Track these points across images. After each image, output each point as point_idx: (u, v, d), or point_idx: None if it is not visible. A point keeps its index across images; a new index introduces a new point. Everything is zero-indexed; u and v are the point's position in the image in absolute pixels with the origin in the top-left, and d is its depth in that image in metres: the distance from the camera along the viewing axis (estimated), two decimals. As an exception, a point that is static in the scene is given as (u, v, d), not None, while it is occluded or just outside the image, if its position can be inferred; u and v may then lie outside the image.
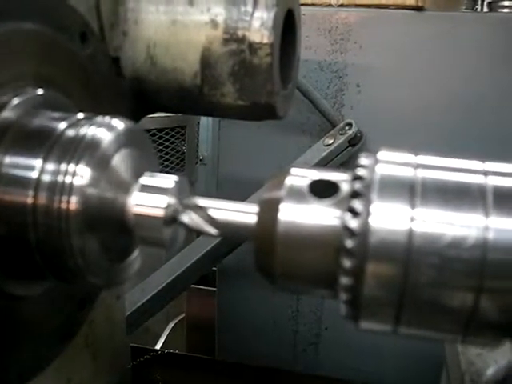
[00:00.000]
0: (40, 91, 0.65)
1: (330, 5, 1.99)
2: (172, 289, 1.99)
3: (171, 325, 2.91)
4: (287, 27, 0.91)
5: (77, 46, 0.73)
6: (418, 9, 1.93)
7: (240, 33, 0.85)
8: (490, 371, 0.93)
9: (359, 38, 1.97)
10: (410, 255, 0.46)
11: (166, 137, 3.06)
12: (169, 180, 0.60)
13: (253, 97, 0.87)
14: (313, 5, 1.99)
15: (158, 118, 2.91)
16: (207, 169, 3.62)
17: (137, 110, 0.92)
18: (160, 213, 0.58)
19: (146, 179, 0.61)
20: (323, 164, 1.92)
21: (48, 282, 0.66)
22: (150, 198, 0.59)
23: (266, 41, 0.84)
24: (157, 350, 2.13)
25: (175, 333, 2.86)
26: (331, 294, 0.51)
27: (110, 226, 0.59)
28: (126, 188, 0.60)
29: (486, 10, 2.72)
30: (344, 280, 0.48)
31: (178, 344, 2.71)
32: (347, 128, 1.93)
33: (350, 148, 1.94)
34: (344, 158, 1.94)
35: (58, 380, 0.88)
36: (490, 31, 1.91)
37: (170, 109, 0.98)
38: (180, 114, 3.40)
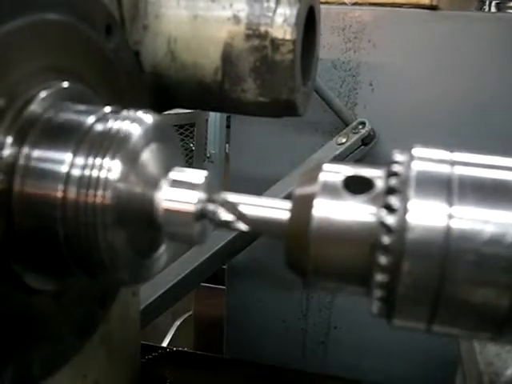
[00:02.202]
0: (66, 84, 0.65)
1: (343, 3, 1.99)
2: (182, 286, 1.99)
3: (178, 323, 2.91)
4: (307, 24, 0.90)
5: (102, 39, 0.72)
6: (431, 8, 1.93)
7: (262, 29, 0.84)
8: (510, 371, 0.92)
9: (373, 36, 1.96)
10: (448, 252, 0.45)
11: (175, 134, 3.05)
12: (199, 175, 0.60)
13: (274, 93, 0.87)
14: (326, 3, 1.99)
15: (166, 115, 2.90)
16: (214, 167, 3.63)
17: (155, 106, 0.91)
18: (190, 208, 0.57)
19: (175, 174, 0.60)
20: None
21: (72, 278, 0.66)
22: (180, 193, 0.58)
23: (288, 37, 0.84)
24: (165, 348, 2.12)
25: (182, 331, 2.85)
26: (363, 291, 0.51)
27: (140, 221, 0.59)
28: (155, 183, 0.59)
29: (493, 10, 2.72)
30: (379, 277, 0.47)
31: (185, 342, 2.70)
32: (360, 127, 1.93)
33: (362, 147, 1.93)
34: (357, 157, 1.93)
35: (74, 376, 0.88)
36: (504, 30, 1.90)
37: (190, 105, 0.98)
38: (189, 112, 3.40)
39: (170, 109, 0.98)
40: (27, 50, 0.60)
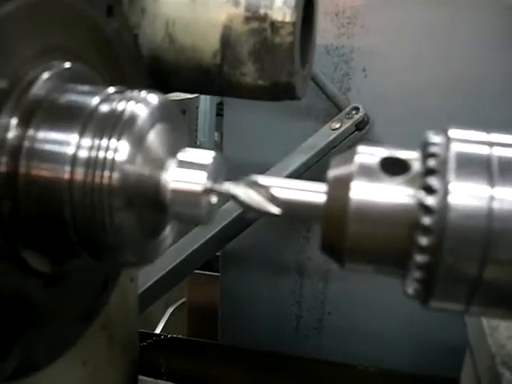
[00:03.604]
0: (68, 65, 0.63)
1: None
2: (176, 274, 1.97)
3: (170, 310, 2.89)
4: (305, 6, 0.89)
5: (103, 19, 0.70)
6: (426, -7, 1.91)
7: (262, 11, 0.82)
8: (522, 354, 0.93)
9: (366, 21, 1.95)
10: (490, 233, 0.44)
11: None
12: (206, 155, 0.59)
13: (273, 76, 0.85)
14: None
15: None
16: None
17: (154, 90, 0.89)
18: (198, 189, 0.57)
19: (183, 155, 0.60)
20: (330, 148, 1.90)
21: (77, 260, 0.64)
22: (188, 173, 0.58)
23: (288, 19, 0.82)
24: (160, 335, 2.11)
25: (175, 318, 2.84)
26: (400, 273, 0.50)
27: (147, 203, 0.58)
28: (162, 163, 0.59)
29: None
30: (419, 258, 0.47)
31: (178, 329, 2.68)
32: (354, 112, 1.92)
33: (356, 132, 1.92)
34: (350, 143, 1.92)
35: (74, 363, 0.86)
36: (497, 16, 1.90)
37: (189, 89, 0.95)
38: (179, 99, 3.35)
39: (168, 93, 0.96)
40: (28, 32, 0.58)
